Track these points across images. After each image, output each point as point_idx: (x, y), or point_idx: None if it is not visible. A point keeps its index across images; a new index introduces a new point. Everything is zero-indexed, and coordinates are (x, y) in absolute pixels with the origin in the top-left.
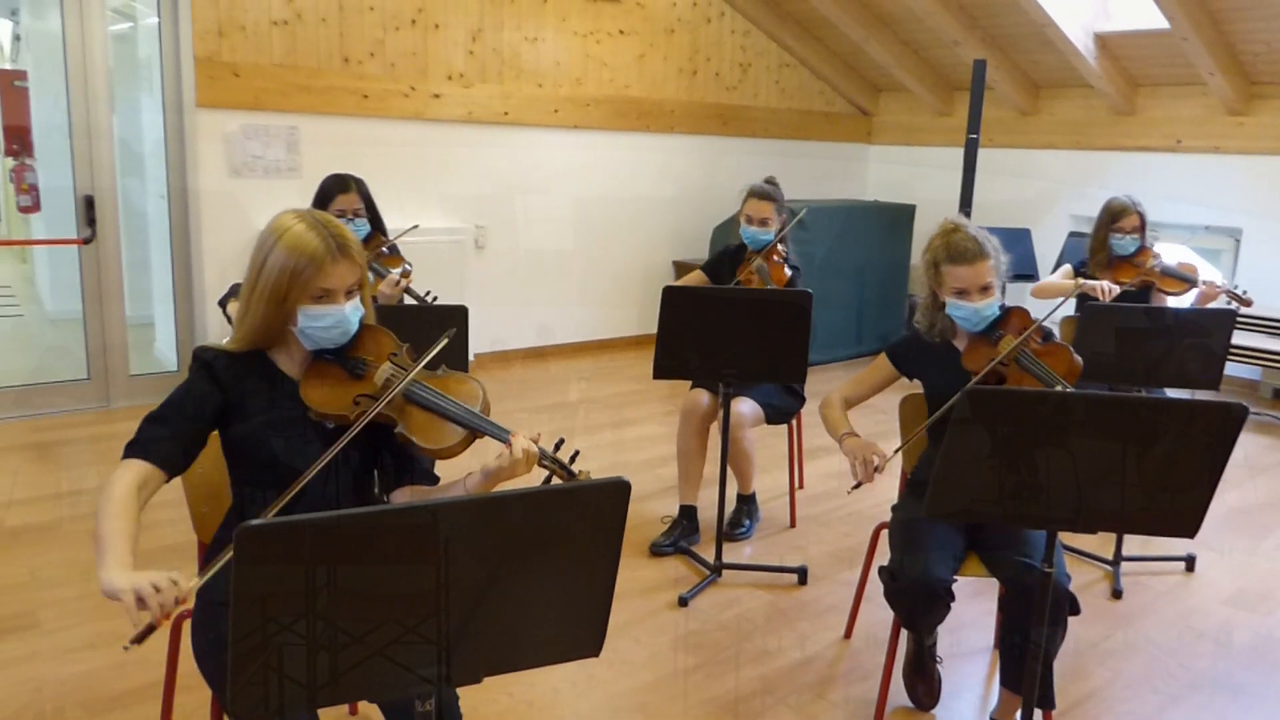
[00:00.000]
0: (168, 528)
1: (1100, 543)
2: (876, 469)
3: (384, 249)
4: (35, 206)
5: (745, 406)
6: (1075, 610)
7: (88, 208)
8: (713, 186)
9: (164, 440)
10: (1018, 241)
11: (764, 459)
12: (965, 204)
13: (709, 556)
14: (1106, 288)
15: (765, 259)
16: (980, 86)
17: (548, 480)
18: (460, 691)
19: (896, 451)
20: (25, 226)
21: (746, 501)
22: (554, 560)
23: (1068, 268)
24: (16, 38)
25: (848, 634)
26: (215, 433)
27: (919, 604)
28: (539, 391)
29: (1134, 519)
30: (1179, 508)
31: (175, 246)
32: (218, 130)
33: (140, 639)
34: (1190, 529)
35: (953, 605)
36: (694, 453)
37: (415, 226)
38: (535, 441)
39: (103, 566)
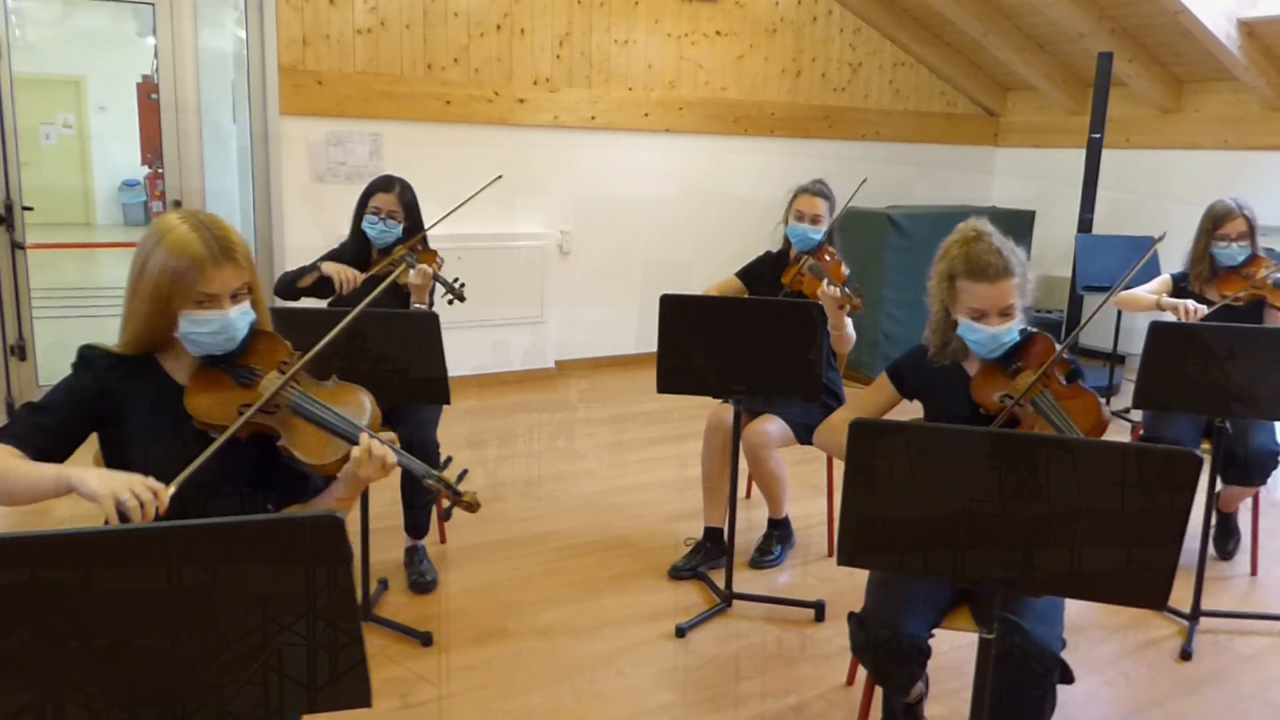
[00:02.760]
0: None
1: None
2: None
3: (418, 245)
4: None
5: (772, 425)
6: (1066, 679)
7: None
8: None
9: (41, 430)
10: (1140, 250)
11: (820, 481)
12: (1087, 209)
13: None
14: (1191, 308)
15: (818, 257)
16: (1105, 81)
17: (433, 498)
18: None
19: None
20: None
21: (778, 526)
22: (269, 598)
23: (1165, 277)
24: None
25: (850, 680)
26: None
27: (885, 659)
28: (613, 400)
29: (1085, 582)
30: (1136, 572)
31: (259, 248)
32: (301, 137)
33: None
34: (1154, 598)
35: (927, 662)
36: (718, 472)
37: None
38: (393, 445)
39: (68, 477)
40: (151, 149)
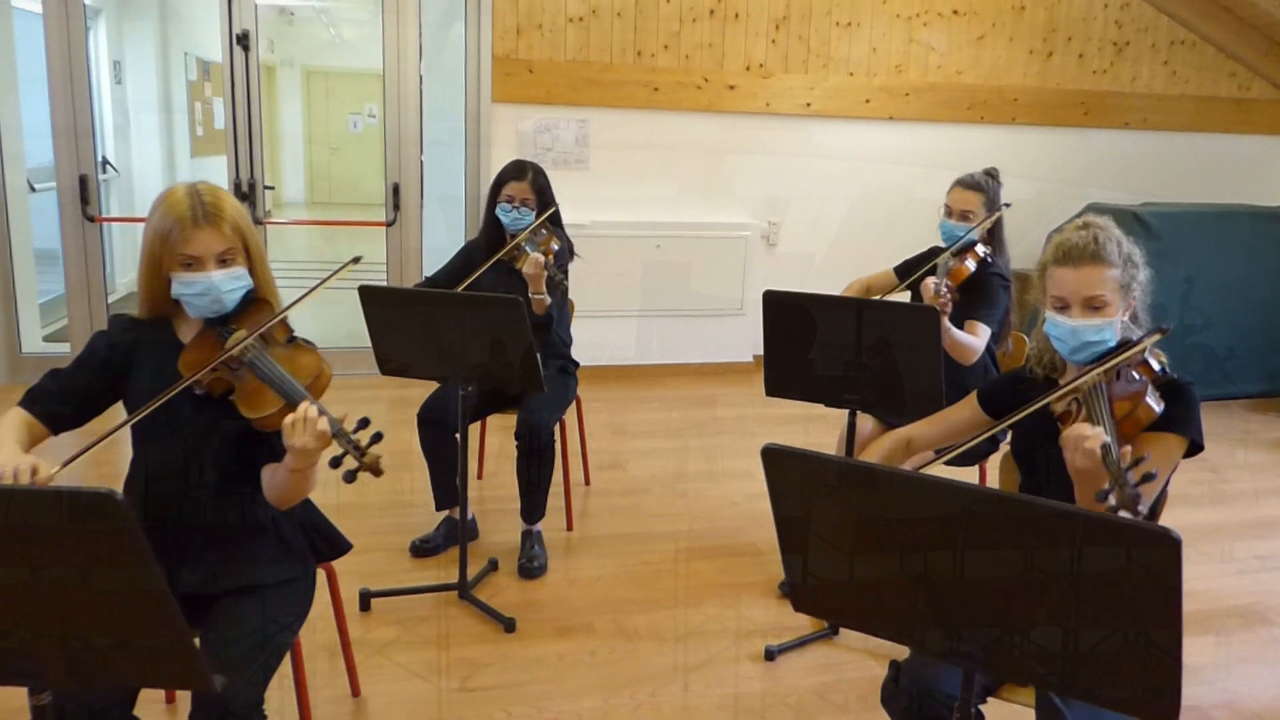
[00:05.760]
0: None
1: None
2: None
3: (541, 229)
4: None
5: None
6: None
7: (394, 194)
8: (1063, 186)
9: (50, 396)
10: None
11: None
12: None
13: None
14: None
15: (959, 256)
16: None
17: (340, 459)
18: (457, 706)
19: None
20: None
21: None
22: (67, 572)
23: None
24: None
25: None
26: None
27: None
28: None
29: (1062, 677)
30: (1123, 673)
31: (468, 230)
32: (512, 124)
33: None
34: (1156, 710)
35: None
36: None
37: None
38: (342, 419)
39: None
40: None
